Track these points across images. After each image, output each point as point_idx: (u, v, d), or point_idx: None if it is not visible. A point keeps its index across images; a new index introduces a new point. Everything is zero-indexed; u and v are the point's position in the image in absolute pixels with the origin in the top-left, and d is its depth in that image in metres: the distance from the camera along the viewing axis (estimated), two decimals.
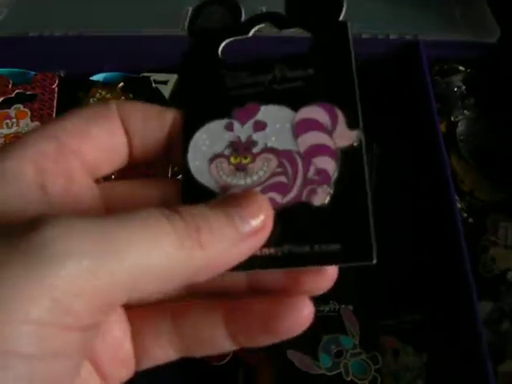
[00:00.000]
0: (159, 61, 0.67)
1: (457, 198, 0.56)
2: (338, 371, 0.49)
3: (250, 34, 0.30)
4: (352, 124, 0.27)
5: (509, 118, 0.61)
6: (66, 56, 0.68)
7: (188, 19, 0.31)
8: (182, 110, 0.29)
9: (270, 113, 0.28)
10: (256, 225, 0.24)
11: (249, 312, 0.26)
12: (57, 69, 0.68)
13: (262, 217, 0.24)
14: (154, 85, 0.65)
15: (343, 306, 0.50)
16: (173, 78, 0.66)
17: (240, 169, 0.27)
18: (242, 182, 0.27)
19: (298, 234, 0.25)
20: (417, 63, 0.62)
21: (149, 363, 0.27)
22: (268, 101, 0.28)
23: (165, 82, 0.65)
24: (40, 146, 0.25)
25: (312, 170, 0.26)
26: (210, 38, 0.30)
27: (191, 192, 0.27)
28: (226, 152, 0.28)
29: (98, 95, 0.65)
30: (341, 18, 0.29)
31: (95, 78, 0.68)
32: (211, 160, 0.28)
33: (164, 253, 0.21)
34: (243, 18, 0.30)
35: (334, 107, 0.27)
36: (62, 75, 0.68)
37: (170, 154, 0.28)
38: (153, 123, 0.28)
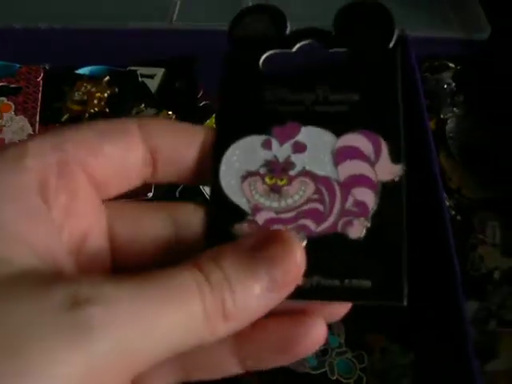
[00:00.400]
0: (146, 54, 0.66)
1: (445, 195, 0.56)
2: (323, 370, 0.48)
3: (294, 48, 0.28)
4: (395, 157, 0.25)
5: (498, 116, 0.61)
6: (51, 49, 0.67)
7: (229, 26, 0.29)
8: (215, 123, 0.28)
9: (310, 135, 0.27)
10: (286, 281, 0.23)
11: (262, 336, 0.25)
12: (42, 62, 0.67)
13: (294, 273, 0.23)
14: (140, 79, 0.64)
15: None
16: (160, 72, 0.65)
17: (275, 190, 0.26)
18: (275, 205, 0.26)
19: (328, 267, 0.24)
20: (406, 60, 0.62)
21: None
22: (309, 122, 0.27)
23: (151, 76, 0.64)
24: (43, 156, 0.23)
25: (350, 200, 0.25)
26: (252, 48, 0.28)
27: (220, 210, 0.26)
28: (262, 171, 0.26)
29: (83, 89, 0.64)
30: (391, 45, 0.28)
31: (81, 71, 0.67)
32: (244, 178, 0.26)
33: (189, 328, 0.21)
34: (288, 28, 0.29)
35: (379, 137, 0.26)
36: (47, 68, 0.67)
37: (197, 175, 0.27)
38: (182, 140, 0.26)
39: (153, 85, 0.64)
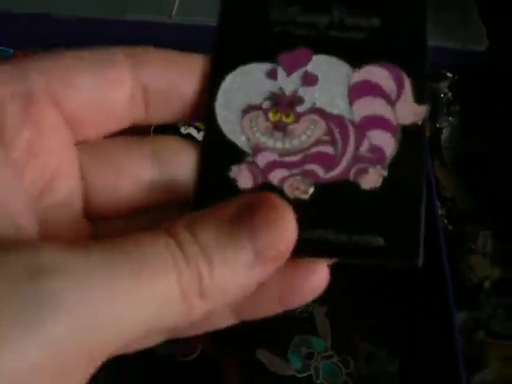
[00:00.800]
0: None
1: (438, 204, 0.55)
2: (309, 373, 0.47)
3: None
4: (419, 97, 0.23)
5: (493, 127, 0.61)
6: (48, 35, 0.66)
7: None
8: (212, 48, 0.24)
9: (323, 65, 0.23)
10: (271, 256, 0.20)
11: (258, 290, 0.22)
12: (37, 47, 0.66)
13: (283, 245, 0.20)
14: None
15: (317, 307, 0.49)
16: None
17: (279, 128, 0.23)
18: (279, 145, 0.23)
19: (335, 219, 0.22)
20: None
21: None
22: (322, 49, 0.23)
23: None
24: (4, 87, 0.21)
25: (366, 144, 0.22)
26: None
27: (215, 150, 0.23)
28: (265, 105, 0.23)
29: None
30: None
31: None
32: (244, 112, 0.23)
33: (164, 308, 0.19)
34: None
35: (402, 72, 0.23)
36: None
37: (196, 112, 0.24)
38: (178, 72, 0.23)
39: None
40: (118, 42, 0.65)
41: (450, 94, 0.64)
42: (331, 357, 0.48)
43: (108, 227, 0.24)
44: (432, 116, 0.63)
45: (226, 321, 0.23)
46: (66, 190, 0.22)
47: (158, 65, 0.23)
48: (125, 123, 0.23)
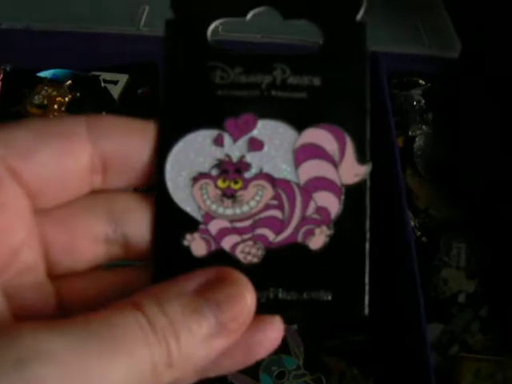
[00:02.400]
0: (111, 60, 0.64)
1: (411, 215, 0.55)
2: None
3: (248, 17, 0.24)
4: (361, 157, 0.23)
5: (466, 135, 0.60)
6: (12, 49, 0.64)
7: None
8: (158, 114, 0.24)
9: (268, 129, 0.23)
10: (234, 327, 0.21)
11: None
12: (2, 62, 0.65)
13: (244, 317, 0.21)
14: (103, 84, 0.62)
15: (287, 325, 0.48)
16: (123, 78, 0.63)
17: (228, 195, 0.23)
18: (229, 212, 0.23)
19: (286, 279, 0.23)
20: (375, 75, 0.61)
21: None
22: (266, 113, 0.23)
23: (115, 82, 0.62)
24: None
25: (312, 206, 0.23)
26: (197, 17, 0.24)
27: (169, 218, 0.23)
28: (213, 172, 0.23)
29: (43, 92, 0.62)
30: (358, 19, 0.24)
31: (43, 74, 0.64)
32: (194, 180, 0.23)
33: (138, 381, 0.19)
34: None
35: (344, 133, 0.23)
36: (8, 69, 0.65)
37: (153, 177, 0.24)
38: (135, 140, 0.23)
39: (115, 91, 0.62)
40: (86, 54, 0.64)
41: (423, 101, 0.63)
42: (303, 375, 0.47)
43: (72, 285, 0.24)
44: (404, 124, 0.62)
45: (190, 380, 0.24)
46: (30, 258, 0.23)
47: (116, 133, 0.23)
48: (84, 191, 0.24)
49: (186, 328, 0.20)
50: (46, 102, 0.61)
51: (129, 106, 0.60)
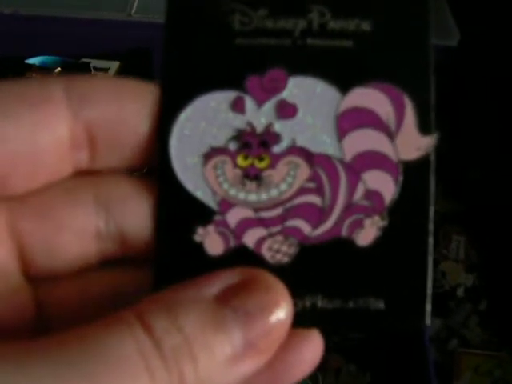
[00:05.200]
0: (102, 46, 0.63)
1: None
2: None
3: None
4: (425, 125, 0.18)
5: (464, 125, 0.59)
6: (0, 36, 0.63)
7: None
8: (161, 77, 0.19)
9: (302, 90, 0.18)
10: (265, 346, 0.16)
11: None
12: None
13: (278, 333, 0.17)
14: (93, 72, 0.61)
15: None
16: (114, 66, 0.62)
17: (251, 176, 0.18)
18: (253, 198, 0.18)
19: (326, 283, 0.18)
20: None
21: None
22: (299, 67, 0.18)
23: (106, 70, 0.61)
24: None
25: (360, 190, 0.18)
26: None
27: (175, 207, 0.18)
28: (232, 146, 0.18)
29: None
30: None
31: (31, 61, 0.63)
32: (207, 157, 0.18)
33: None
34: None
35: (403, 95, 0.18)
36: None
37: (151, 154, 0.19)
38: (129, 106, 0.18)
39: None
40: (76, 41, 0.62)
41: None
42: None
43: (55, 291, 0.20)
44: None
45: None
46: None
47: (104, 97, 0.18)
48: (65, 172, 0.19)
49: (206, 349, 0.16)
50: None
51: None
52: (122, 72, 0.61)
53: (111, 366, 0.15)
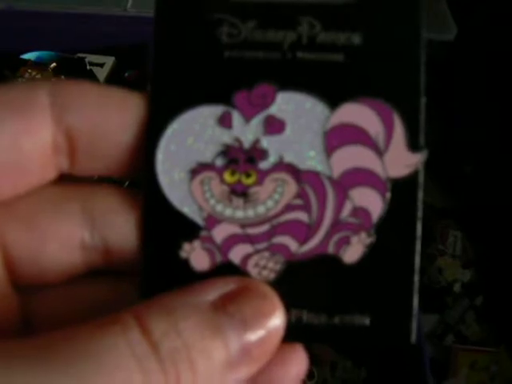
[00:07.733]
0: (97, 42, 0.62)
1: None
2: None
3: None
4: (414, 142, 0.18)
5: (462, 120, 0.59)
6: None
7: None
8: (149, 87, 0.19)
9: (291, 105, 0.18)
10: (259, 353, 0.17)
11: None
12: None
13: (273, 340, 0.17)
14: (88, 67, 0.60)
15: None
16: (110, 61, 0.61)
17: (238, 192, 0.18)
18: (239, 215, 0.18)
19: (312, 299, 0.18)
20: None
21: None
22: (288, 82, 0.18)
23: (101, 65, 0.61)
24: None
25: (348, 207, 0.18)
26: None
27: (159, 223, 0.18)
28: (218, 162, 0.18)
29: (27, 75, 0.60)
30: None
31: (27, 56, 0.63)
32: (194, 172, 0.18)
33: None
34: None
35: (392, 111, 0.18)
36: None
37: (135, 165, 0.19)
38: (112, 115, 0.18)
39: (101, 74, 0.60)
40: (73, 35, 0.62)
41: None
42: None
43: (42, 299, 0.20)
44: None
45: None
46: None
47: (87, 104, 0.18)
48: (48, 175, 0.19)
49: (204, 353, 0.16)
50: None
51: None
52: (117, 67, 0.61)
53: (102, 366, 0.15)
